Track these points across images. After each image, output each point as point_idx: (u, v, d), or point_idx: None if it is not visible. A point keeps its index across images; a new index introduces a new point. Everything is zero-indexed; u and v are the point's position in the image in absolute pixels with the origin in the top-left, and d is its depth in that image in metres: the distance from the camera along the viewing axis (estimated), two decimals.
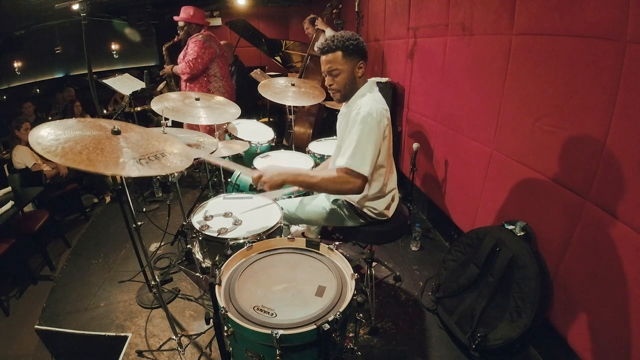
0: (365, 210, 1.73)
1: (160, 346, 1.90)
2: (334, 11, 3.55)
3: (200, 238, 1.67)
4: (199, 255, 1.77)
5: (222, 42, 4.06)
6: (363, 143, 1.48)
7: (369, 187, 1.67)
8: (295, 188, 2.03)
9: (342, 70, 1.57)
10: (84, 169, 1.09)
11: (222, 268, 1.29)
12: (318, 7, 3.67)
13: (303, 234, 2.28)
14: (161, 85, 4.05)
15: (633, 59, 1.26)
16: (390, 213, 1.78)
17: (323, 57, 1.59)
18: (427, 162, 2.96)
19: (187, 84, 3.46)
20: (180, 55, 3.44)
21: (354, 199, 1.73)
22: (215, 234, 1.61)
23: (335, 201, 1.80)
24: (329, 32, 3.61)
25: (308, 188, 1.76)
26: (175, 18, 3.43)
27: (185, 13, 3.36)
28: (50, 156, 1.08)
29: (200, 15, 3.43)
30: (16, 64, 5.22)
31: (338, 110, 1.86)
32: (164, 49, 3.71)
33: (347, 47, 1.53)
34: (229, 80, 3.70)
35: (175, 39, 3.56)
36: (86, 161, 1.10)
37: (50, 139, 1.13)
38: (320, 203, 1.83)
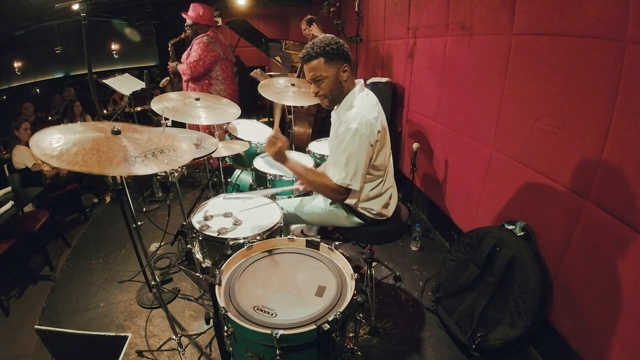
0: (363, 211, 1.73)
1: (160, 346, 1.90)
2: (331, 9, 3.54)
3: (200, 238, 1.67)
4: (199, 255, 1.77)
5: None
6: (353, 160, 1.50)
7: (365, 187, 1.67)
8: (295, 187, 2.04)
9: (326, 76, 1.54)
10: (77, 170, 1.09)
11: (222, 268, 1.29)
12: (317, 8, 3.66)
13: (302, 232, 2.28)
14: (164, 81, 4.04)
15: (633, 59, 1.27)
16: (389, 212, 1.78)
17: (305, 66, 1.56)
18: (427, 162, 2.96)
19: (190, 84, 3.46)
20: (184, 55, 3.42)
21: (351, 200, 1.73)
22: (215, 234, 1.61)
23: (333, 202, 1.79)
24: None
25: (302, 180, 1.77)
26: (184, 15, 3.37)
27: (195, 12, 3.30)
28: (47, 158, 1.08)
29: (210, 15, 3.38)
30: (16, 64, 5.23)
31: None
32: (169, 44, 3.66)
33: (328, 52, 1.49)
34: (232, 84, 3.66)
35: (183, 35, 3.52)
36: (81, 162, 1.09)
37: (51, 144, 1.13)
38: (319, 204, 1.83)
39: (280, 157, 1.60)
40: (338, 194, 1.57)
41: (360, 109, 1.53)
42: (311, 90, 1.63)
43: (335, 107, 1.67)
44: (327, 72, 1.53)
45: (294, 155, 2.51)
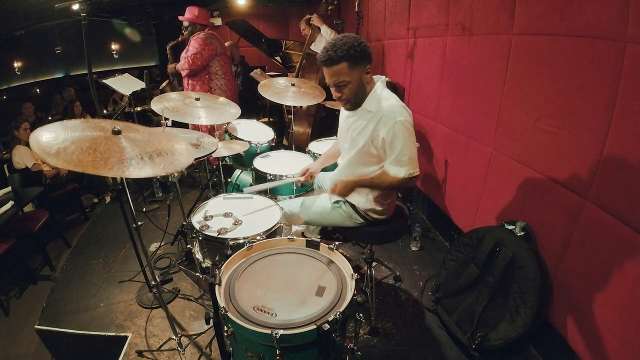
0: (366, 210, 1.73)
1: (160, 346, 1.90)
2: (329, 7, 3.54)
3: (200, 238, 1.68)
4: (199, 255, 1.78)
5: (228, 43, 4.07)
6: (411, 150, 1.50)
7: None
8: (296, 179, 2.03)
9: (350, 81, 1.45)
10: (72, 169, 1.08)
11: (222, 268, 1.29)
12: (317, 8, 3.66)
13: (303, 234, 2.28)
14: (164, 84, 4.07)
15: (633, 59, 1.26)
16: (389, 212, 1.79)
17: (326, 69, 1.45)
18: (427, 162, 2.96)
19: (190, 81, 3.48)
20: (182, 54, 3.46)
21: (356, 199, 1.73)
22: (215, 234, 1.61)
23: (336, 202, 1.79)
24: (324, 30, 3.60)
25: (374, 187, 1.70)
26: (181, 18, 3.45)
27: (191, 13, 3.39)
28: (44, 155, 1.07)
29: (205, 15, 3.47)
30: (16, 64, 5.23)
31: (338, 110, 1.85)
32: (167, 48, 3.75)
33: (352, 55, 1.39)
34: (232, 79, 3.70)
35: (180, 38, 3.59)
36: (75, 161, 1.08)
37: (48, 139, 1.13)
38: (322, 204, 1.83)
39: (349, 187, 1.58)
40: (410, 182, 1.56)
41: (395, 101, 1.53)
42: (333, 95, 1.56)
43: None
44: (350, 76, 1.44)
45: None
